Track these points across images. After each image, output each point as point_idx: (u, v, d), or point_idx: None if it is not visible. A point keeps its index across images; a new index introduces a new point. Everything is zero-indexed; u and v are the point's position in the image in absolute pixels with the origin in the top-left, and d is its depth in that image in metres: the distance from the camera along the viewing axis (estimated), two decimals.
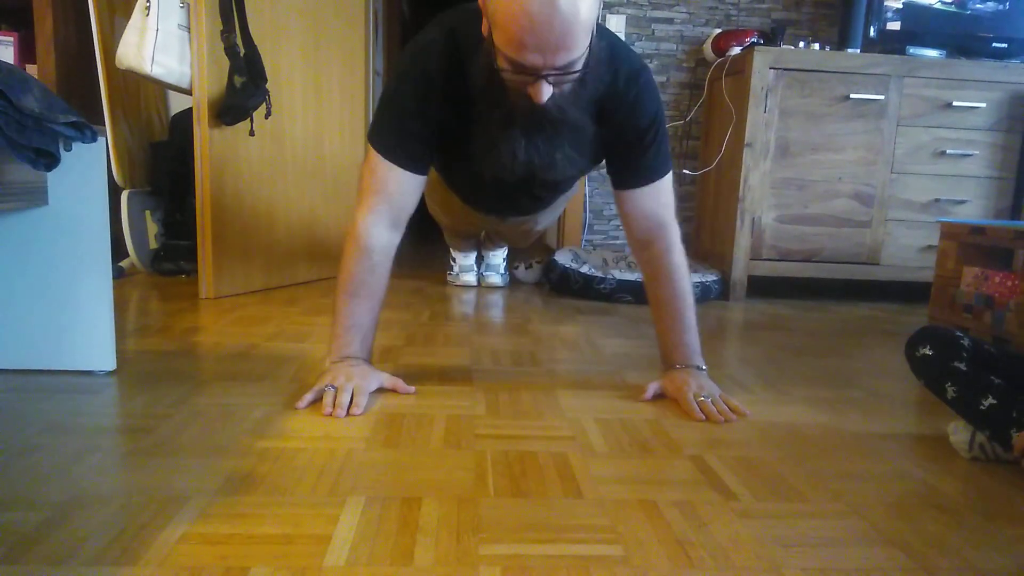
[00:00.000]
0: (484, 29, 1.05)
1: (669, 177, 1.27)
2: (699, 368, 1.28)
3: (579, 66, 1.01)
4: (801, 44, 2.45)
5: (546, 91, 1.01)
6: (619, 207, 1.31)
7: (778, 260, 2.47)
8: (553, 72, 0.99)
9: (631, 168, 1.26)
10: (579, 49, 0.98)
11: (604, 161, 1.31)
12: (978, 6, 2.48)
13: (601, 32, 1.09)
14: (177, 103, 2.66)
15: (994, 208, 2.48)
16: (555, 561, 0.72)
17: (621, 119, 1.22)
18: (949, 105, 2.40)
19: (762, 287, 2.58)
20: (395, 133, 1.20)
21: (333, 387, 1.15)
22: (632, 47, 2.76)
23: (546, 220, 2.06)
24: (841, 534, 0.80)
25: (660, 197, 1.27)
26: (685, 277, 1.29)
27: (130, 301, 2.04)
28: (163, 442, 0.99)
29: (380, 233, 1.21)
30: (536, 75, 0.99)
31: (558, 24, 0.93)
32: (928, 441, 1.12)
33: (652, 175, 1.25)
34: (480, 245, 2.49)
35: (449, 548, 0.73)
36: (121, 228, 2.39)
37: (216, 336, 1.62)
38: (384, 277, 1.25)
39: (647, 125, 1.22)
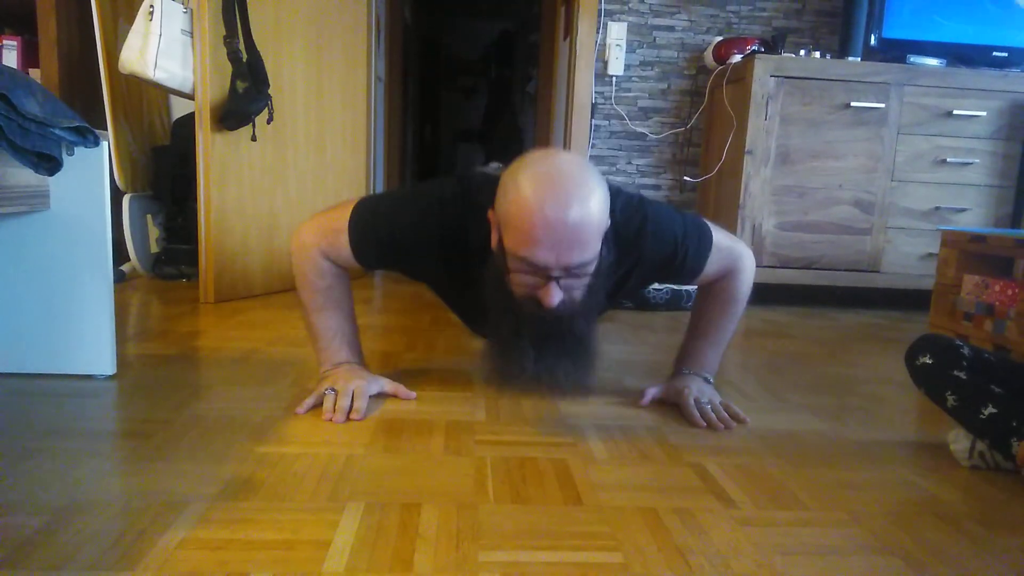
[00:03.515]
0: (493, 242, 1.03)
1: (713, 239, 1.20)
2: (705, 379, 1.27)
3: (590, 268, 0.98)
4: (802, 52, 2.46)
5: (556, 294, 0.96)
6: None
7: (778, 267, 2.47)
8: (564, 273, 0.96)
9: (680, 277, 1.23)
10: (590, 251, 0.96)
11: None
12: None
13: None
14: (179, 108, 2.67)
15: (994, 216, 2.48)
16: (555, 568, 0.72)
17: (646, 267, 1.19)
18: (949, 114, 2.40)
19: (762, 294, 2.57)
20: (375, 243, 1.17)
21: (333, 391, 1.15)
22: (633, 52, 2.79)
23: None
24: (841, 542, 0.80)
25: (716, 263, 1.21)
26: (740, 304, 1.26)
27: (131, 305, 2.04)
28: (163, 447, 0.99)
29: (330, 263, 1.20)
30: (547, 276, 0.96)
31: (571, 222, 0.91)
32: (928, 449, 1.12)
33: (698, 266, 1.20)
34: None
35: (448, 554, 0.73)
36: (122, 232, 2.39)
37: (216, 341, 1.62)
38: (347, 292, 1.24)
39: (672, 251, 1.17)
